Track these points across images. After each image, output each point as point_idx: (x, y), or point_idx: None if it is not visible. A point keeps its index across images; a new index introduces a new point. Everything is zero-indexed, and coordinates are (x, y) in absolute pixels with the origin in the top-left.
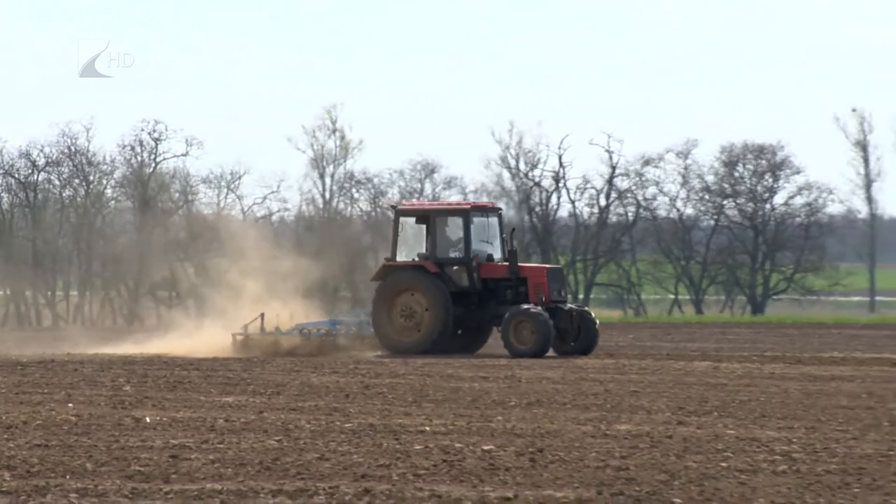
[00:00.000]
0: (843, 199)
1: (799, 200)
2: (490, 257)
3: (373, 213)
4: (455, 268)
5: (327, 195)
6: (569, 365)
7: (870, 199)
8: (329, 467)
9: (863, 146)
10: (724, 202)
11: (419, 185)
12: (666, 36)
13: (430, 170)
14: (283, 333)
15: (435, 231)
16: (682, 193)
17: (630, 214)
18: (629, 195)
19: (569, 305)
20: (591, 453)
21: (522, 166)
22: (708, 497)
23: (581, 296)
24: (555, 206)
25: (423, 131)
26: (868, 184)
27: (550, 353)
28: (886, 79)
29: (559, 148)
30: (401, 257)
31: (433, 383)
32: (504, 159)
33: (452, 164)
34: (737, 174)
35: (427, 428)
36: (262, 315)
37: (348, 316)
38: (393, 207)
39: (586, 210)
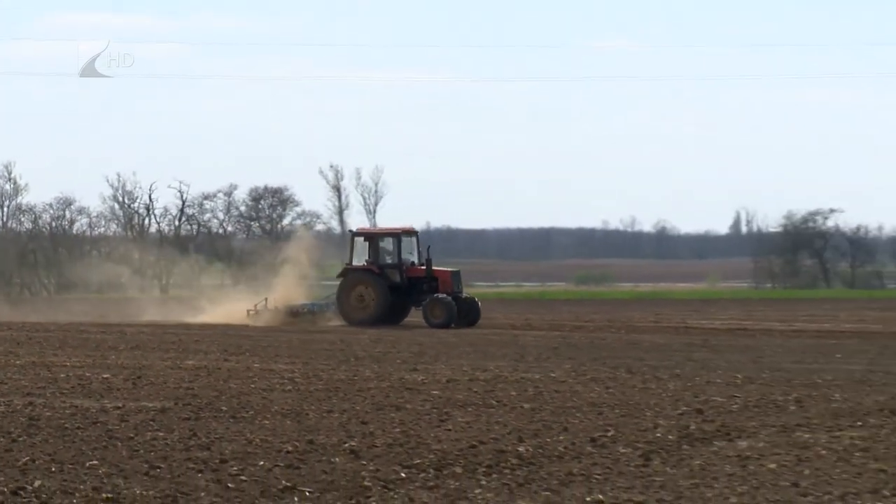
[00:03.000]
0: (326, 221)
1: (299, 222)
2: (413, 263)
3: (33, 230)
4: (390, 270)
5: (3, 220)
6: (157, 324)
7: (342, 222)
8: (7, 389)
9: (337, 189)
10: (252, 223)
11: (62, 213)
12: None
13: (68, 202)
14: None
15: (377, 246)
16: (227, 218)
17: (194, 230)
18: (193, 219)
19: (464, 295)
20: (171, 379)
21: (127, 201)
22: (243, 406)
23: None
24: (148, 225)
25: (68, 176)
26: (340, 212)
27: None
28: (357, 145)
29: (150, 189)
30: (355, 263)
31: (71, 336)
32: (115, 196)
33: (83, 198)
34: (260, 206)
35: (68, 363)
36: (267, 299)
37: (323, 300)
38: (350, 231)
39: (166, 227)
